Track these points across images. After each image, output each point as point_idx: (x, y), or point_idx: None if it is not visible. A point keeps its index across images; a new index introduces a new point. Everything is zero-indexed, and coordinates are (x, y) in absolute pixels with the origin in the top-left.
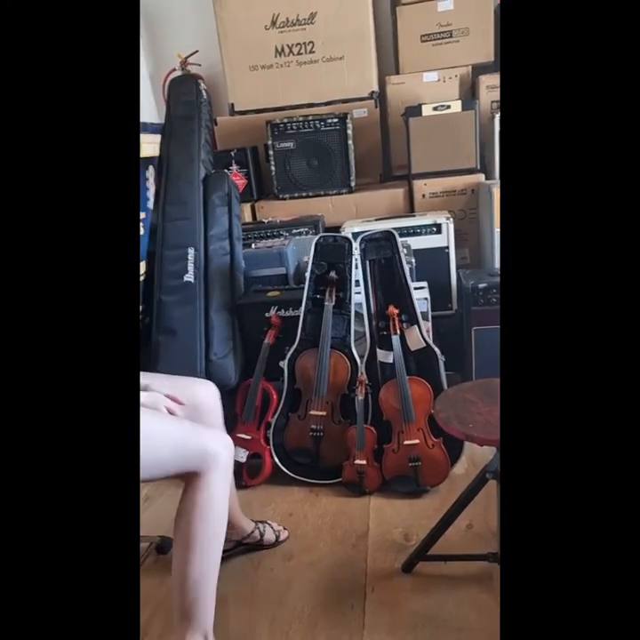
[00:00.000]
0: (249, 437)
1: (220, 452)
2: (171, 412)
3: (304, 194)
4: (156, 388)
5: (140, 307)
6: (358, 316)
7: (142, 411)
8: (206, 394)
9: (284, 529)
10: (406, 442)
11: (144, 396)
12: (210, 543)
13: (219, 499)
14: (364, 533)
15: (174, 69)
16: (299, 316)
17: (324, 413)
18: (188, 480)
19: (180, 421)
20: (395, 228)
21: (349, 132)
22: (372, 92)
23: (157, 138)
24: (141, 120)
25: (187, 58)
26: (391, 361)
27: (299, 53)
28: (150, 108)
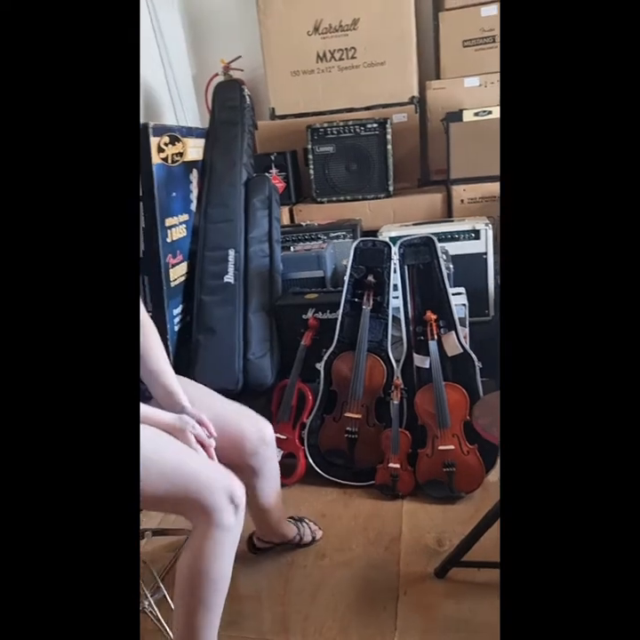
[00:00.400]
0: (284, 437)
1: (221, 507)
2: (200, 443)
3: (342, 198)
4: (191, 413)
5: (180, 306)
6: (395, 320)
7: (148, 429)
8: (252, 431)
9: (319, 528)
10: (441, 447)
11: (172, 419)
12: (208, 606)
13: (220, 568)
14: (396, 536)
15: (217, 74)
16: (336, 319)
17: (359, 416)
18: (193, 524)
19: (189, 453)
20: (433, 234)
21: (389, 136)
22: (413, 97)
23: (201, 142)
24: (187, 125)
25: (229, 63)
26: (427, 366)
27: (340, 59)
28: (193, 112)
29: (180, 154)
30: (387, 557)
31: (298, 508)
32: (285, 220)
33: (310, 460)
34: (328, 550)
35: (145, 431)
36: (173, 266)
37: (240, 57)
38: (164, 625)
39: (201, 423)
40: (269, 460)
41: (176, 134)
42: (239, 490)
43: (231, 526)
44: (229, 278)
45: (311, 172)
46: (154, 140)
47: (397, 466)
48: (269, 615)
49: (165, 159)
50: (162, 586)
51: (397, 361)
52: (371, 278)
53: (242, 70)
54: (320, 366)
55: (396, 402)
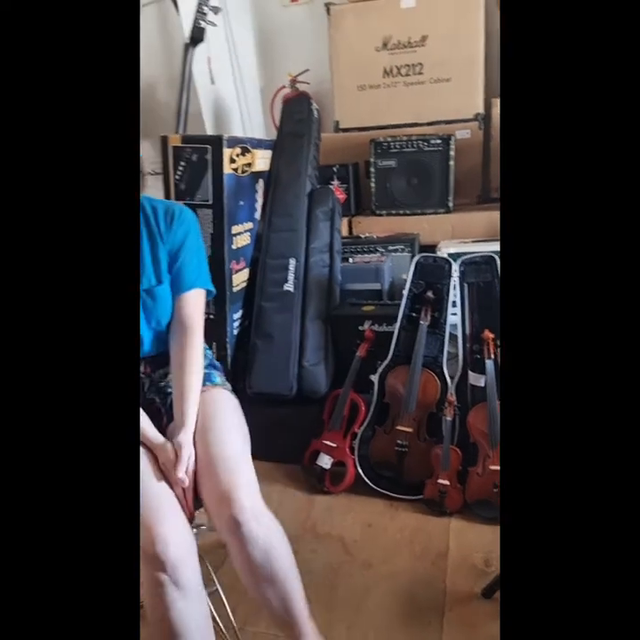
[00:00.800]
0: (334, 445)
1: (145, 558)
2: (168, 473)
3: (401, 211)
4: (179, 441)
5: (240, 311)
6: (452, 337)
7: None
8: (219, 510)
9: None
10: (492, 467)
11: (157, 441)
12: None
13: (172, 620)
14: (443, 553)
15: (284, 87)
16: (391, 332)
17: (411, 430)
18: None
19: (147, 488)
20: (493, 252)
21: (452, 153)
22: (477, 113)
23: (269, 153)
24: (256, 136)
25: (297, 76)
26: (482, 384)
27: (406, 74)
28: (259, 124)
29: (249, 164)
30: (433, 573)
31: (344, 517)
32: (344, 231)
33: (359, 470)
34: (374, 561)
35: None
36: (236, 272)
37: (308, 70)
38: (216, 617)
39: (176, 455)
40: (241, 550)
41: (247, 146)
42: (165, 546)
43: (162, 582)
44: (289, 287)
45: (372, 184)
46: (226, 151)
47: (446, 482)
48: (314, 621)
49: (236, 169)
50: (215, 579)
51: (452, 377)
52: (430, 294)
53: (308, 83)
54: (374, 378)
55: (448, 418)
